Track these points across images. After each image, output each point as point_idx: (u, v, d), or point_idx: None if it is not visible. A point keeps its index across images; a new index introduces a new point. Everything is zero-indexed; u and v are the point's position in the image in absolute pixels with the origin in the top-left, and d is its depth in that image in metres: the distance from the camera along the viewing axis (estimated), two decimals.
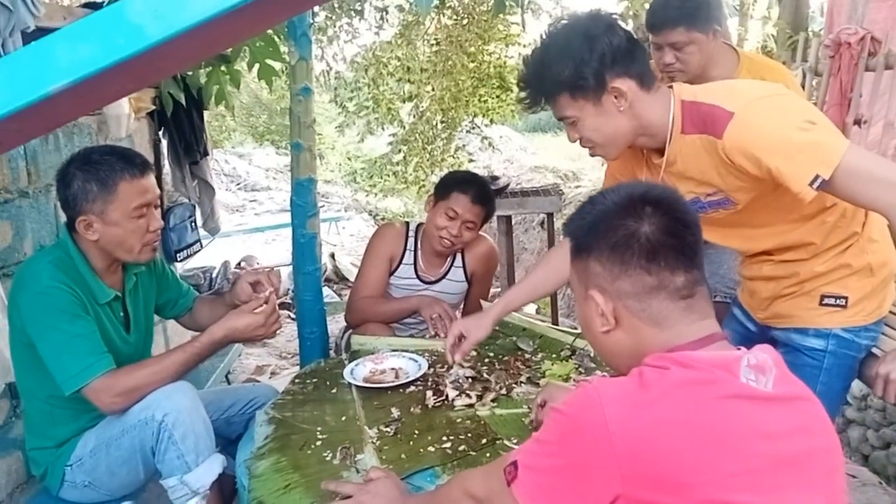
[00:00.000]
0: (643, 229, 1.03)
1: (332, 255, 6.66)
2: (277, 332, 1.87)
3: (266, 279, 1.97)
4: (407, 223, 2.71)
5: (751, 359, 0.99)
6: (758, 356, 1.00)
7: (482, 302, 2.49)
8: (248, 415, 2.12)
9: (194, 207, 3.61)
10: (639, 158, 1.68)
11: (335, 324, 5.17)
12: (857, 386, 1.64)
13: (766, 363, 0.99)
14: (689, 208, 1.09)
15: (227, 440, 2.11)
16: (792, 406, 0.99)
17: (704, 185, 1.54)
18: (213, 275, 5.10)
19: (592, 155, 1.63)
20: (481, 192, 2.50)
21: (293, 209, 2.55)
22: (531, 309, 5.25)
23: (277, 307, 1.86)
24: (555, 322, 4.46)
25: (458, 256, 2.67)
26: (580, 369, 1.99)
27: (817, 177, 1.33)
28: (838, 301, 1.58)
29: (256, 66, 3.11)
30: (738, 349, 1.02)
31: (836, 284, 1.58)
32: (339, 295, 5.88)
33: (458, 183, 2.51)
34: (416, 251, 2.63)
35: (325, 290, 6.02)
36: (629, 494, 0.91)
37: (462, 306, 2.76)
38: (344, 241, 8.73)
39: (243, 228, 8.87)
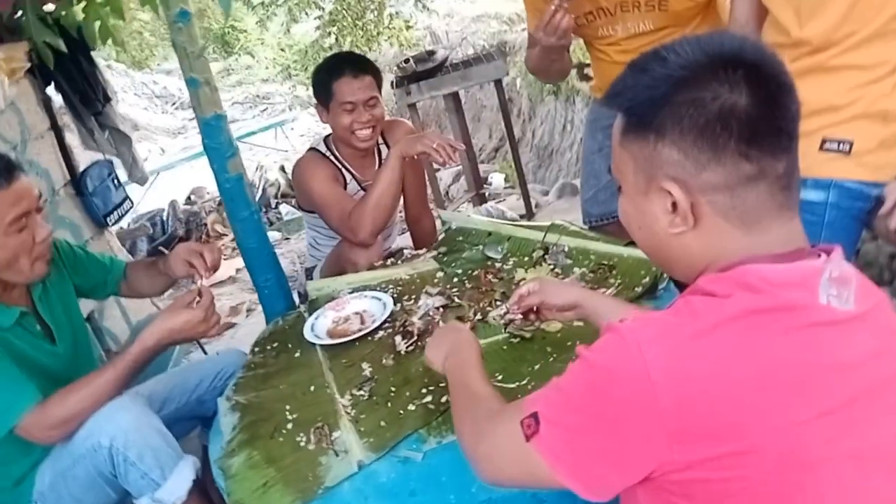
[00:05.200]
0: (741, 102, 0.81)
1: (283, 168, 6.31)
2: (219, 330, 1.67)
3: (200, 260, 1.75)
4: (311, 149, 2.50)
5: (833, 270, 0.81)
6: (841, 266, 0.83)
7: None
8: (219, 388, 1.94)
9: (111, 163, 3.27)
10: None
11: (301, 241, 4.97)
12: None
13: (848, 273, 0.83)
14: (787, 68, 0.85)
15: (205, 418, 1.97)
16: (872, 322, 0.83)
17: None
18: (164, 218, 4.80)
19: None
20: (353, 62, 2.32)
21: (208, 153, 2.26)
22: (499, 181, 5.03)
23: (213, 300, 1.65)
24: (523, 189, 4.26)
25: (383, 149, 2.49)
26: (556, 270, 1.81)
27: None
28: (841, 146, 1.38)
29: None
30: (819, 255, 0.84)
31: (841, 128, 1.38)
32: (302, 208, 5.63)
33: (329, 74, 2.30)
34: (343, 164, 2.44)
35: (284, 208, 5.77)
36: (677, 458, 0.77)
37: (402, 200, 2.59)
38: (295, 144, 8.32)
39: (189, 154, 8.39)
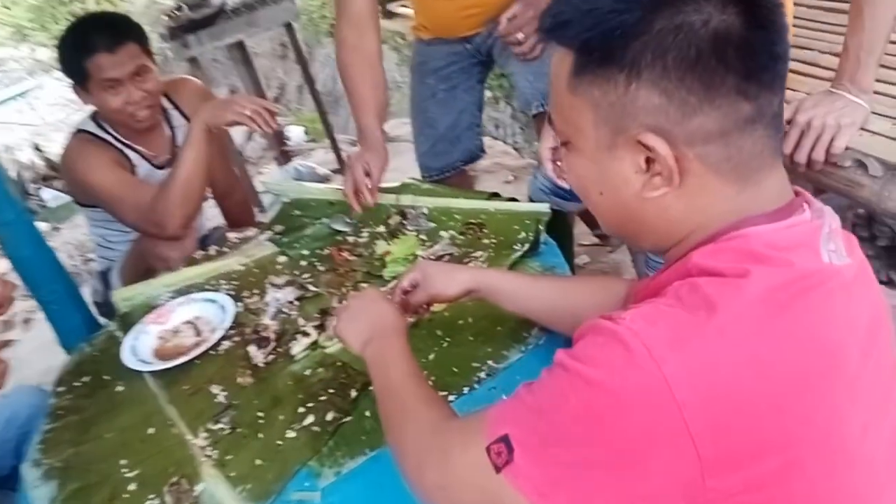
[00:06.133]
0: (736, 24, 0.63)
1: (37, 147, 5.36)
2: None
3: None
4: (79, 131, 1.98)
5: (832, 223, 0.69)
6: (833, 218, 0.70)
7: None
8: (14, 441, 1.53)
9: None
10: None
11: (77, 229, 4.27)
12: None
13: (837, 223, 0.71)
14: None
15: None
16: (862, 275, 0.72)
17: None
18: None
19: None
20: (106, 32, 1.84)
21: None
22: (298, 135, 4.64)
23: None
24: (333, 141, 3.95)
25: (173, 115, 2.09)
26: (421, 238, 1.59)
27: None
28: None
29: None
30: (803, 207, 0.70)
31: None
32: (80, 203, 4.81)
33: (78, 52, 1.82)
34: (125, 143, 1.99)
35: (47, 194, 4.92)
36: (714, 488, 0.60)
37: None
38: (44, 116, 7.14)
39: None
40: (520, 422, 0.68)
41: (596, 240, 2.40)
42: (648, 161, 0.68)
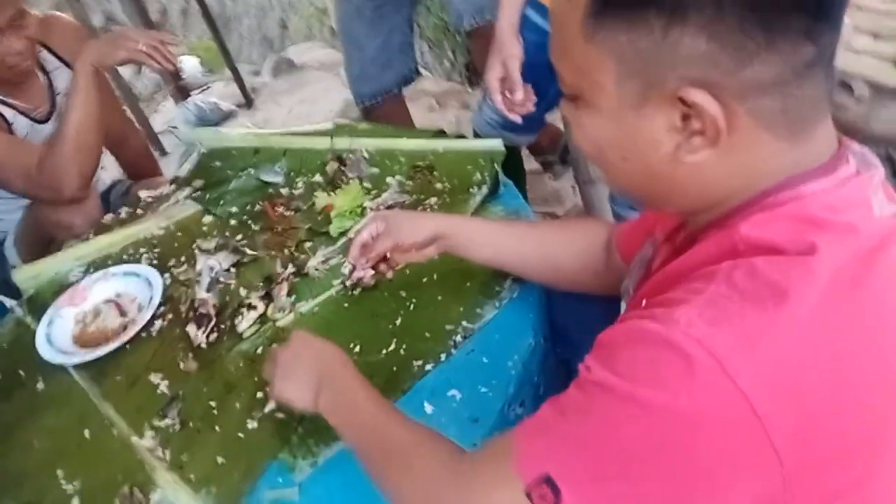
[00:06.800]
0: None
1: None
2: None
3: None
4: None
5: (881, 172, 0.61)
6: (879, 166, 0.61)
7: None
8: None
9: None
10: None
11: None
12: None
13: (882, 171, 0.62)
14: None
15: None
16: None
17: None
18: None
19: None
20: None
21: None
22: (193, 67, 4.25)
23: None
24: (235, 72, 3.63)
25: (46, 58, 1.80)
26: (365, 186, 1.45)
27: None
28: None
29: None
30: (847, 157, 0.60)
31: None
32: None
33: None
34: None
35: None
36: (793, 496, 0.53)
37: None
38: None
39: None
40: (560, 456, 0.58)
41: (538, 166, 2.31)
42: (685, 117, 0.57)
